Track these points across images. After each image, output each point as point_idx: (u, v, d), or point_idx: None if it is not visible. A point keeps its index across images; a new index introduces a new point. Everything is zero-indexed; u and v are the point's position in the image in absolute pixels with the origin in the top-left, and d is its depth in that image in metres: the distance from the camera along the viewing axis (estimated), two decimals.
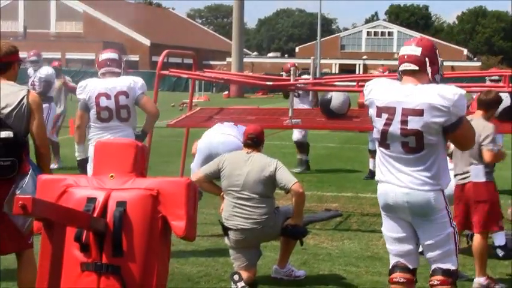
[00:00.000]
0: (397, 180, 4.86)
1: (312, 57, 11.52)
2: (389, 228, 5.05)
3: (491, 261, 7.14)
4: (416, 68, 4.84)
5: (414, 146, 4.76)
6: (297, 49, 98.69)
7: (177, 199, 3.71)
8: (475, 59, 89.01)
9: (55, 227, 3.68)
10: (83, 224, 3.57)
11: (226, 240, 6.78)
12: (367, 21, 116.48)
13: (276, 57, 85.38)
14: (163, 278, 3.82)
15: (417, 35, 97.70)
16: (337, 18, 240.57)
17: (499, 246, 7.59)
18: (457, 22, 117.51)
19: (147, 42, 70.04)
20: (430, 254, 4.97)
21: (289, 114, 9.18)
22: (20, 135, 5.06)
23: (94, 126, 7.59)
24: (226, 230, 6.67)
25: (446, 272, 4.94)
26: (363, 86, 10.22)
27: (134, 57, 67.49)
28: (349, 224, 9.45)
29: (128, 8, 74.93)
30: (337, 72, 71.02)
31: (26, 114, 5.13)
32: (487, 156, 6.64)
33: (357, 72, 71.27)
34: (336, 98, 9.54)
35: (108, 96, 7.44)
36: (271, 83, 10.30)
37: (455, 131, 4.76)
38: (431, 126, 4.70)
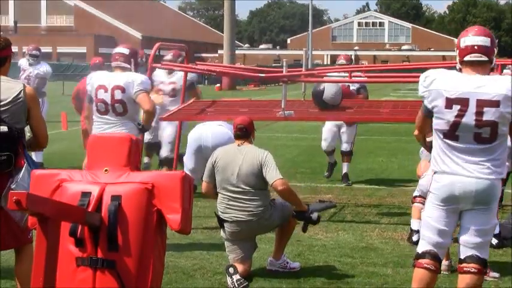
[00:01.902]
0: (464, 170, 4.83)
1: (304, 49, 11.51)
2: (438, 219, 4.99)
3: None
4: (487, 59, 4.85)
5: (488, 136, 4.76)
6: (288, 40, 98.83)
7: (172, 192, 3.71)
8: None
9: (50, 222, 3.67)
10: (78, 218, 3.56)
11: (221, 232, 6.77)
12: (358, 12, 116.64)
13: (268, 48, 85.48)
14: (159, 271, 3.82)
15: (408, 25, 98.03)
16: (328, 9, 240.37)
17: (493, 235, 7.60)
18: (448, 12, 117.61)
19: (138, 35, 69.89)
20: (471, 239, 4.96)
21: (282, 106, 9.16)
22: (15, 130, 5.07)
23: (95, 119, 7.71)
24: (221, 222, 6.66)
25: (483, 262, 4.98)
26: (356, 76, 10.30)
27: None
28: (343, 215, 9.46)
29: (119, 1, 74.74)
30: (328, 63, 71.00)
31: (23, 109, 5.14)
32: None
33: None
34: (329, 90, 9.52)
35: (105, 89, 7.51)
36: (263, 75, 10.28)
37: None
38: (506, 117, 4.73)
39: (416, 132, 5.47)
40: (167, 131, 10.50)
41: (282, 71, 9.50)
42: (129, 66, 7.68)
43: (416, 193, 7.49)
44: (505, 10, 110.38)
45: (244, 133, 6.79)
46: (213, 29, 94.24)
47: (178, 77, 10.52)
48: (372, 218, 9.30)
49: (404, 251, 7.51)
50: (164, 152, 10.54)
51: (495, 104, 4.69)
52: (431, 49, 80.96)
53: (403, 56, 73.83)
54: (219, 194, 6.72)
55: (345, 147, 11.96)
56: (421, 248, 5.09)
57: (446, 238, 5.03)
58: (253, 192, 6.54)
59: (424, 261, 5.02)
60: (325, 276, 6.71)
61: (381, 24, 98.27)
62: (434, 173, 5.01)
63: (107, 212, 3.63)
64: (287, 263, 6.89)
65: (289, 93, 9.56)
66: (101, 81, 7.57)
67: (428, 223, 5.05)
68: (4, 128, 5.00)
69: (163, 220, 3.74)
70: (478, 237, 4.95)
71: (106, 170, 3.79)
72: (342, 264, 7.10)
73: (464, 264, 4.99)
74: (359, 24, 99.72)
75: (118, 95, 7.47)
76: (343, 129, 11.85)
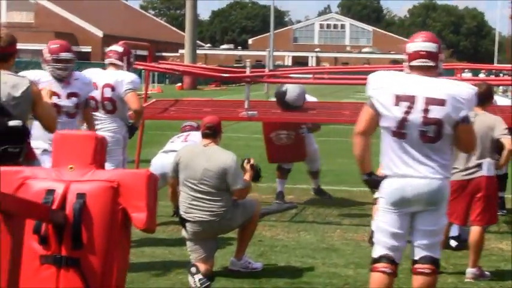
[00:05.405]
0: (415, 171, 4.92)
1: (267, 50, 11.53)
2: (390, 223, 5.05)
3: (444, 252, 7.20)
4: (433, 64, 4.97)
5: (432, 135, 4.86)
6: (250, 41, 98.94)
7: (137, 191, 3.70)
8: None
9: (14, 219, 3.63)
10: (42, 216, 3.53)
11: (183, 232, 6.75)
12: (320, 14, 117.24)
13: (230, 49, 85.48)
14: (123, 270, 3.81)
15: (369, 28, 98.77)
16: (290, 10, 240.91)
17: (453, 237, 7.69)
18: (408, 16, 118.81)
19: (99, 33, 69.38)
20: (423, 241, 5.04)
21: (245, 106, 9.19)
22: (25, 124, 5.08)
23: None
24: (183, 222, 6.65)
25: (436, 262, 5.07)
26: (319, 78, 10.35)
27: (86, 49, 66.80)
28: (304, 216, 9.50)
29: None
30: (290, 64, 71.18)
31: (30, 104, 5.16)
32: (509, 144, 6.79)
33: (310, 64, 71.61)
34: (292, 91, 9.57)
35: (96, 87, 7.54)
36: (227, 75, 10.31)
37: (466, 125, 4.91)
38: (451, 117, 4.83)
39: (358, 134, 5.10)
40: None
41: (245, 72, 9.53)
42: (121, 63, 7.81)
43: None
44: (464, 15, 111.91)
45: (213, 132, 6.73)
46: (175, 28, 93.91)
47: (80, 85, 6.94)
48: (333, 219, 9.36)
49: (365, 252, 7.55)
50: None
51: (441, 102, 4.82)
52: (392, 52, 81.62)
53: (363, 58, 74.35)
54: (181, 193, 6.69)
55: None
56: (377, 253, 5.13)
57: (401, 241, 5.08)
58: (216, 193, 6.52)
59: (381, 265, 5.06)
60: (287, 277, 6.74)
61: (342, 26, 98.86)
62: (386, 177, 5.08)
63: (72, 210, 3.61)
64: (249, 263, 6.90)
65: (251, 93, 9.58)
66: (93, 79, 7.53)
67: (381, 228, 5.11)
68: (18, 123, 4.98)
69: (128, 218, 3.73)
70: (430, 237, 5.04)
71: (71, 168, 3.77)
72: (303, 265, 7.13)
73: (418, 265, 5.06)
74: (320, 26, 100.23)
75: (108, 93, 7.57)
76: None
